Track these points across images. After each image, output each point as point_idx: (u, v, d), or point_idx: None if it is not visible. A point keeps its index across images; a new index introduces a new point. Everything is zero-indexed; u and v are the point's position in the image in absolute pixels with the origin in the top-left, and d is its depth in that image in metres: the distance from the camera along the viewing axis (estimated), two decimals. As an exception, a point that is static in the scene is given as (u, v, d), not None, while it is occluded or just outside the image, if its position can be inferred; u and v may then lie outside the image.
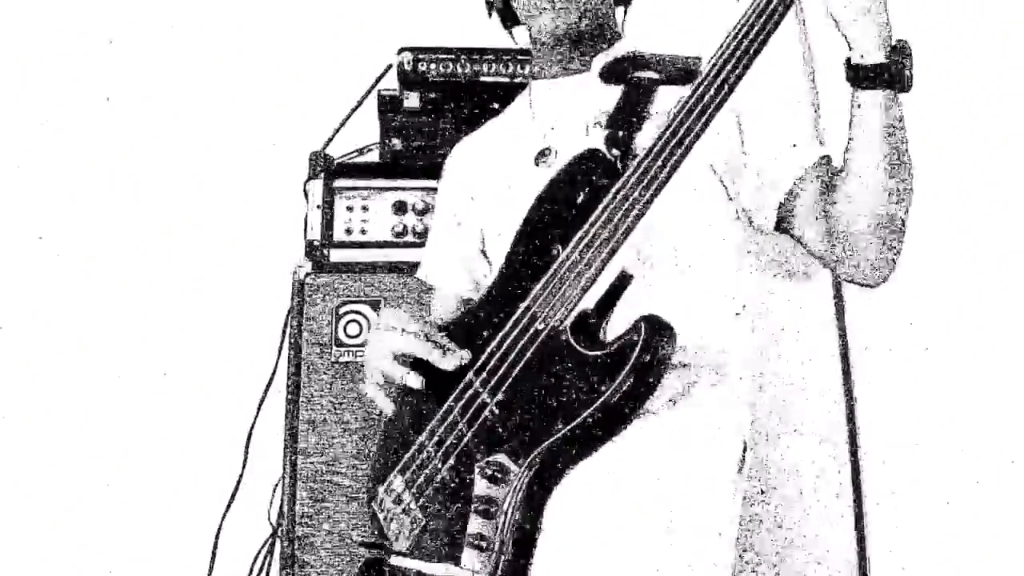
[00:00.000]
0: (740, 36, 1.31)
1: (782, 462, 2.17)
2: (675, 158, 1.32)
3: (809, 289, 2.25)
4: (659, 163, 1.32)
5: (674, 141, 1.31)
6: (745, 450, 1.49)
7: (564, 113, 1.59)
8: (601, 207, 1.34)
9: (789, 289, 2.24)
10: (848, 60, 1.32)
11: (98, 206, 2.60)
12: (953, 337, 2.37)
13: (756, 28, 1.30)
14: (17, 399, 2.52)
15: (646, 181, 1.32)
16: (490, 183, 1.66)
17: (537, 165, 1.57)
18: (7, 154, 2.62)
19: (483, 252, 1.69)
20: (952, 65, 2.28)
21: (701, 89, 1.32)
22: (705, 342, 1.47)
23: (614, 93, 1.49)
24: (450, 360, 1.41)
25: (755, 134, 1.50)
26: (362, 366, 1.58)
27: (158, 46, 2.63)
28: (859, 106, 1.32)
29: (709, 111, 1.31)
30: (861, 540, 2.17)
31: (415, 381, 1.43)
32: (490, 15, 1.77)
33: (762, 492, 2.14)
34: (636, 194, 1.32)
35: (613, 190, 1.34)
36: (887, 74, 1.29)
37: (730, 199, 1.53)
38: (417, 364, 1.45)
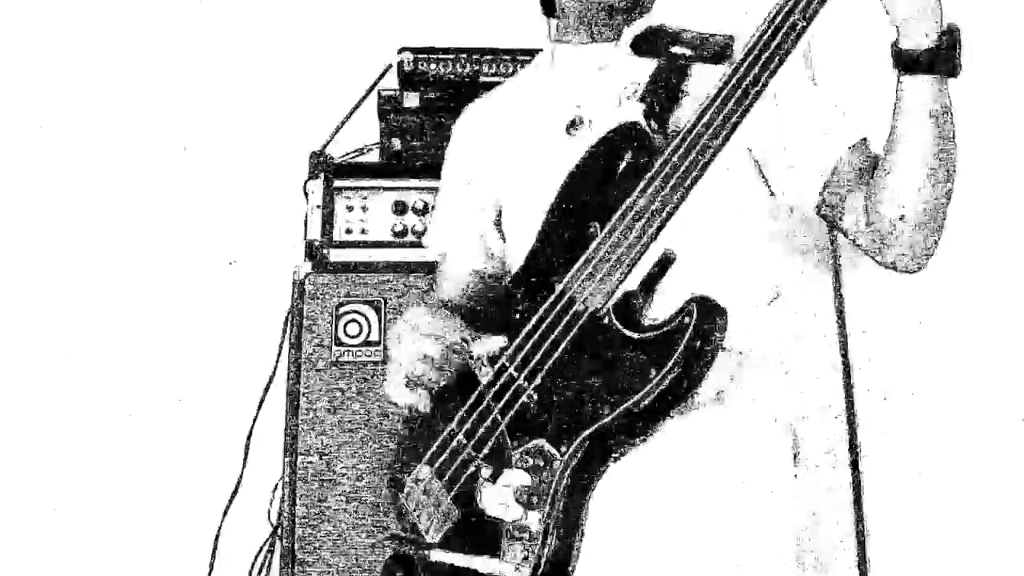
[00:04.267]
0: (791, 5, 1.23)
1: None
2: (724, 132, 1.24)
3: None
4: (707, 137, 1.24)
5: (723, 113, 1.24)
6: (796, 442, 1.45)
7: (592, 82, 1.52)
8: (644, 183, 1.27)
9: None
10: (895, 44, 1.26)
11: (98, 206, 2.59)
12: (953, 333, 2.37)
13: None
14: (16, 398, 2.52)
15: (693, 156, 1.25)
16: (510, 152, 1.57)
17: (569, 135, 1.48)
18: (6, 155, 2.62)
19: (496, 225, 1.61)
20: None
21: (751, 59, 1.25)
22: (748, 328, 1.40)
23: (645, 65, 1.41)
24: (484, 372, 1.34)
25: (793, 114, 1.42)
26: (374, 364, 1.53)
27: (157, 46, 2.63)
28: (905, 92, 1.26)
29: (760, 82, 1.24)
30: (861, 544, 2.17)
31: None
32: None
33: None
34: (682, 170, 1.25)
35: (657, 165, 1.26)
36: (937, 59, 1.24)
37: (765, 182, 1.47)
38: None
